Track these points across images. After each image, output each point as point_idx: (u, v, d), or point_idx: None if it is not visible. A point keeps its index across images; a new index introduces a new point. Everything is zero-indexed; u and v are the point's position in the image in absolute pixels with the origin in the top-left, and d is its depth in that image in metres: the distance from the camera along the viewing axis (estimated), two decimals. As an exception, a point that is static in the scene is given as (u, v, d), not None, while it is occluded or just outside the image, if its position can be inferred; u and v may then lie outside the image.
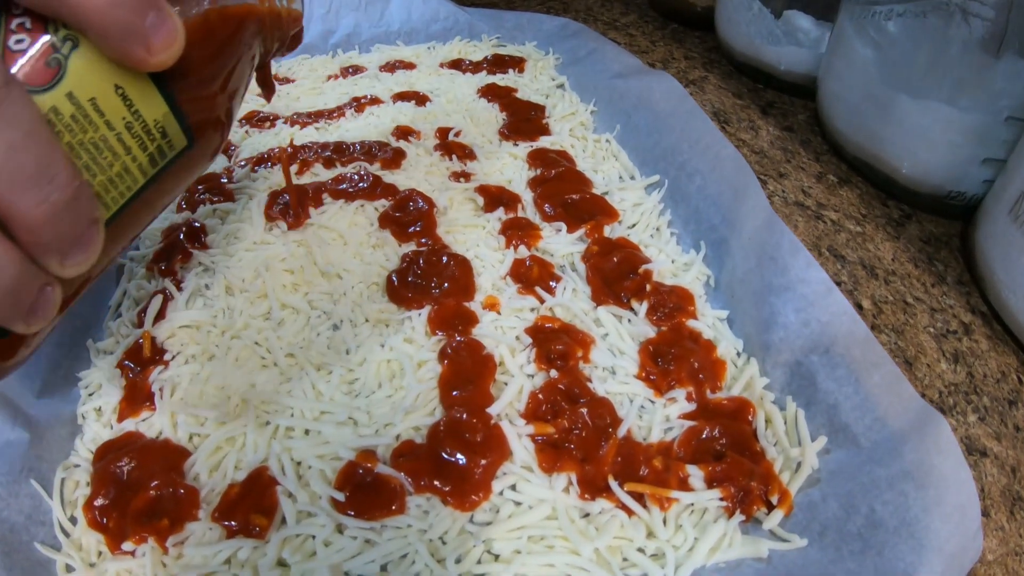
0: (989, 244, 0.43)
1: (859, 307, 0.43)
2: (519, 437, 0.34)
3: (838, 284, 0.37)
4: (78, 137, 0.20)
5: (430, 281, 0.42)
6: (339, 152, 0.54)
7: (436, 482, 0.32)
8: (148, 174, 0.23)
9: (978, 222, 0.46)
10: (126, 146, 0.21)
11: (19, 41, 0.19)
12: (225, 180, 0.52)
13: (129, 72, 0.20)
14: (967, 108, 0.44)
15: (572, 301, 0.41)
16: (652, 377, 0.37)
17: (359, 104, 0.62)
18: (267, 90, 0.35)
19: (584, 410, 0.34)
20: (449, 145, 0.55)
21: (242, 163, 0.54)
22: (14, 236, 0.19)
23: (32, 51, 0.19)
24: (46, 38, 0.19)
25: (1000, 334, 0.42)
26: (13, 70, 0.19)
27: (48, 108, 0.19)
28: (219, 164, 0.55)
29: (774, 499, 0.32)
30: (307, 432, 0.35)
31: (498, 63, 0.68)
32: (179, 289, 0.42)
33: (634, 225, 0.47)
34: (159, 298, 0.41)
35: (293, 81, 0.68)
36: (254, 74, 0.29)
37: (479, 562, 0.30)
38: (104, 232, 0.21)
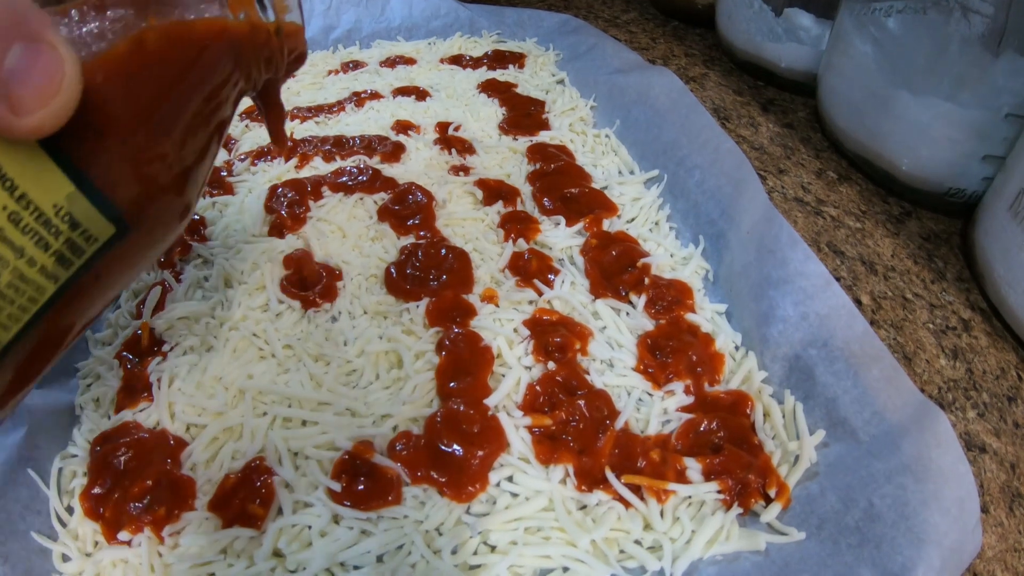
0: (989, 241, 0.43)
1: (858, 303, 0.43)
2: (516, 428, 0.34)
3: (837, 280, 0.37)
4: None
5: (428, 273, 0.42)
6: (339, 146, 0.54)
7: (433, 473, 0.32)
8: (60, 279, 0.16)
9: (978, 219, 0.46)
10: (15, 247, 0.15)
11: None
12: (225, 173, 0.52)
13: (1, 140, 0.14)
14: (967, 104, 0.44)
15: (570, 294, 0.41)
16: (650, 370, 0.37)
17: (359, 99, 0.62)
18: (275, 140, 0.26)
19: (582, 402, 0.34)
20: (449, 139, 0.55)
21: (242, 157, 0.54)
22: None
23: None
24: None
25: (999, 330, 0.42)
26: None
27: None
28: (219, 158, 0.55)
29: (772, 492, 0.32)
30: (304, 423, 0.35)
31: (498, 59, 0.68)
32: (178, 281, 0.42)
33: (633, 219, 0.47)
34: (158, 289, 0.41)
35: (293, 76, 0.68)
36: (241, 113, 0.21)
37: (475, 553, 0.30)
38: None
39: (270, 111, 0.24)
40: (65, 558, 0.31)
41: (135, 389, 0.36)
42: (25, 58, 0.12)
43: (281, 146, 0.27)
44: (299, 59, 0.23)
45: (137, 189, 0.16)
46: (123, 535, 0.31)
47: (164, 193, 0.17)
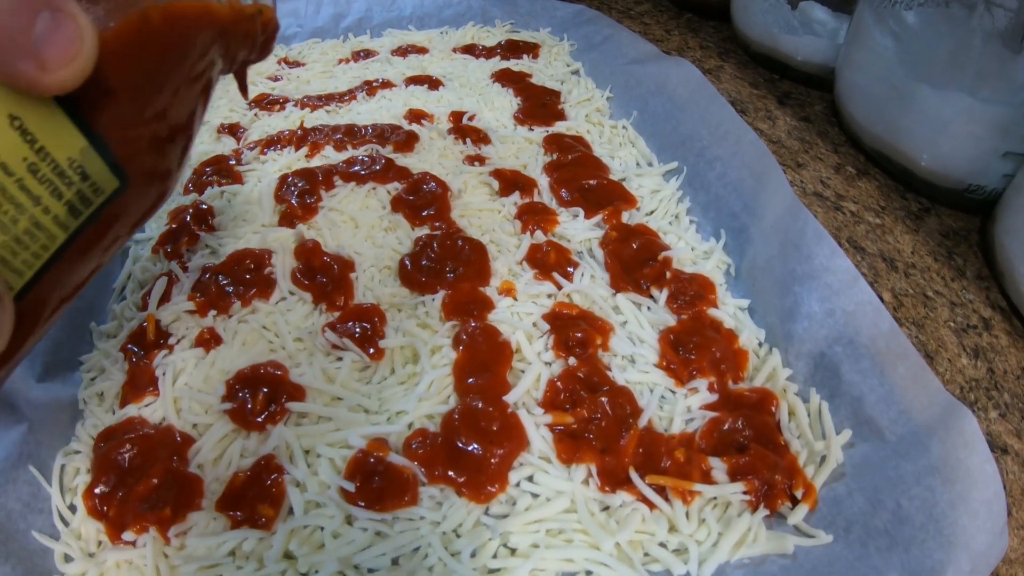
0: (1009, 239, 0.42)
1: (880, 300, 0.42)
2: (537, 427, 0.33)
3: (860, 274, 0.36)
4: None
5: (444, 265, 0.41)
6: (350, 135, 0.53)
7: (450, 472, 0.31)
8: (69, 228, 0.18)
9: (997, 216, 0.45)
10: (32, 195, 0.16)
11: None
12: (234, 162, 0.51)
13: (26, 97, 0.15)
14: (988, 100, 0.44)
15: (590, 287, 0.40)
16: (673, 366, 0.36)
17: (371, 87, 0.60)
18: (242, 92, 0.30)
19: (604, 399, 0.33)
20: (463, 129, 0.54)
21: (251, 145, 0.53)
22: None
23: None
24: None
25: (1020, 330, 0.41)
26: None
27: None
28: (228, 146, 0.54)
29: (798, 493, 0.31)
30: (317, 419, 0.34)
31: (512, 49, 0.67)
32: (185, 272, 0.41)
33: (652, 212, 0.46)
34: (164, 280, 0.40)
35: (304, 64, 0.67)
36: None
37: (495, 556, 0.29)
38: (13, 308, 0.16)
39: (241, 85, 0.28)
40: (67, 558, 0.30)
41: (140, 383, 0.35)
42: (51, 24, 0.14)
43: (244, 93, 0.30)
44: (269, 42, 0.25)
45: (138, 146, 0.19)
46: (128, 535, 0.30)
47: (159, 151, 0.20)
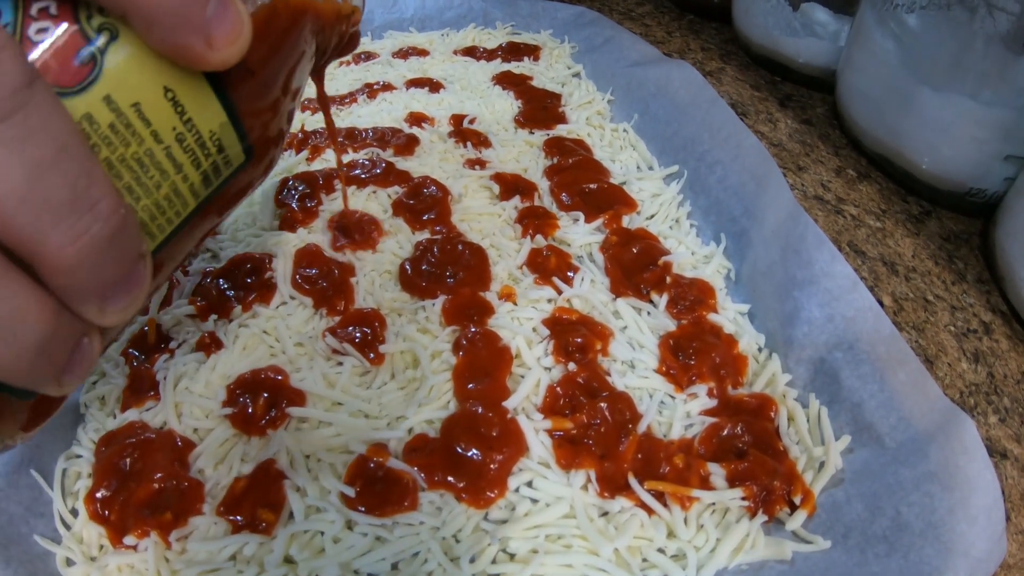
0: (1010, 242, 0.42)
1: (880, 304, 0.42)
2: (536, 432, 0.33)
3: (859, 279, 0.36)
4: (119, 152, 0.16)
5: (445, 270, 0.41)
6: (351, 138, 0.53)
7: (450, 478, 0.31)
8: (200, 197, 0.19)
9: (999, 220, 0.45)
10: (176, 163, 0.18)
11: (42, 30, 0.15)
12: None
13: (182, 71, 0.17)
14: (990, 103, 0.43)
15: (590, 292, 0.40)
16: (672, 372, 0.36)
17: (371, 90, 0.60)
18: (324, 107, 0.33)
19: (603, 405, 0.33)
20: (464, 132, 0.53)
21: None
22: (43, 280, 0.15)
23: (59, 43, 0.15)
24: (76, 27, 0.15)
25: (1020, 334, 0.41)
26: (36, 65, 0.15)
27: (81, 115, 0.15)
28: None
29: (797, 499, 0.31)
30: (317, 424, 0.34)
31: (513, 51, 0.67)
32: (186, 275, 0.41)
33: (653, 216, 0.46)
34: (164, 284, 0.40)
35: (345, 57, 0.67)
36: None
37: (494, 561, 0.29)
38: (152, 268, 0.17)
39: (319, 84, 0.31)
40: (69, 562, 0.30)
41: (141, 387, 0.35)
42: (220, 7, 0.16)
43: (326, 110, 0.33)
44: (355, 38, 0.28)
45: (264, 125, 0.20)
46: (129, 539, 0.30)
47: (276, 129, 0.21)
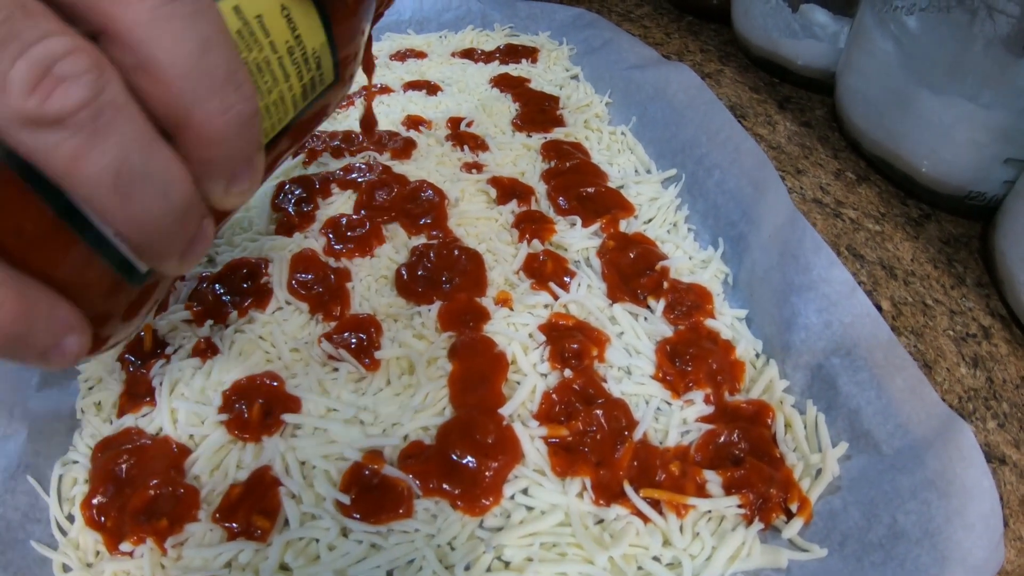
0: (1009, 246, 0.42)
1: (879, 308, 0.42)
2: (532, 439, 0.33)
3: (857, 283, 0.36)
4: (243, 55, 0.18)
5: (440, 275, 0.40)
6: (348, 141, 0.53)
7: (445, 485, 0.31)
8: (298, 107, 0.22)
9: (998, 223, 0.45)
10: (285, 72, 0.20)
11: None
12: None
13: None
14: (989, 105, 0.43)
15: (587, 298, 0.40)
16: (669, 378, 0.36)
17: (369, 93, 0.60)
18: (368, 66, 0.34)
19: (599, 412, 0.33)
20: (461, 135, 0.53)
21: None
22: (186, 150, 0.17)
23: None
24: None
25: (1020, 338, 0.41)
26: None
27: None
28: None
29: (793, 507, 0.31)
30: (312, 431, 0.34)
31: (511, 53, 0.67)
32: (182, 280, 0.41)
33: (650, 220, 0.46)
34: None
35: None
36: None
37: (489, 569, 0.29)
38: (263, 164, 0.19)
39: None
40: (66, 568, 0.30)
41: (137, 393, 0.35)
42: None
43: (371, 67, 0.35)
44: None
45: (350, 50, 0.23)
46: (125, 546, 0.30)
47: (355, 60, 0.24)
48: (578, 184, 0.47)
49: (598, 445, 0.32)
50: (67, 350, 0.17)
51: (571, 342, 0.36)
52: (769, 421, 0.34)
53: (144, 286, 0.19)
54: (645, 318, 0.39)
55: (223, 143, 0.17)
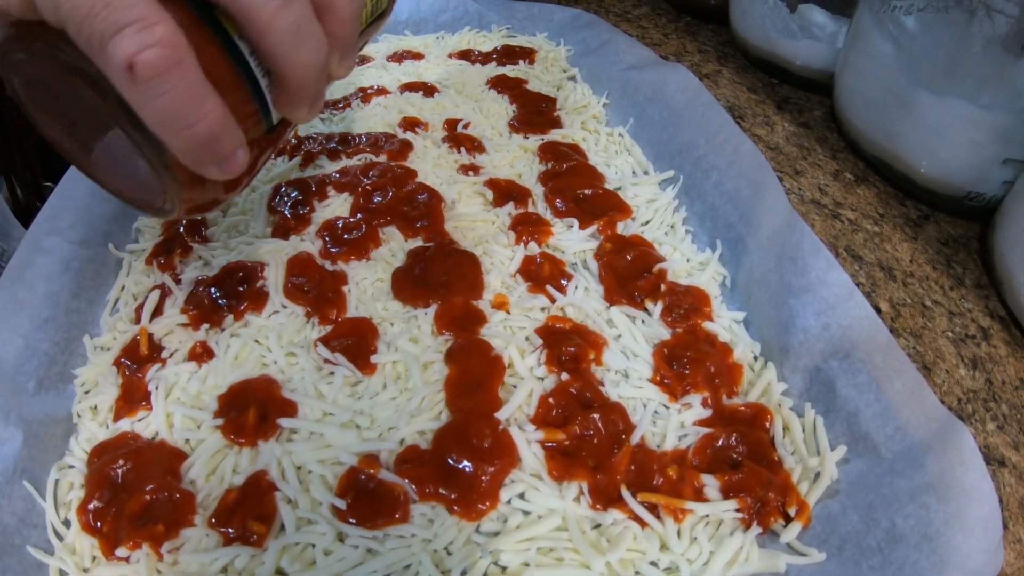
0: (1008, 247, 0.42)
1: (877, 310, 0.42)
2: (528, 443, 0.33)
3: (856, 287, 0.36)
4: None
5: (437, 278, 0.40)
6: (344, 143, 0.52)
7: (441, 490, 0.31)
8: (363, 25, 0.29)
9: (997, 224, 0.44)
10: None
11: None
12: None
13: None
14: (988, 106, 0.43)
15: (584, 300, 0.40)
16: (666, 381, 0.36)
17: (365, 94, 0.60)
18: None
19: (596, 415, 0.33)
20: (458, 137, 0.53)
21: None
22: (325, 24, 0.24)
23: None
24: None
25: (1019, 339, 0.41)
26: None
27: None
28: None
29: (792, 511, 0.31)
30: (308, 435, 0.34)
31: (508, 54, 0.66)
32: (178, 284, 0.41)
33: (648, 222, 0.46)
34: (156, 293, 0.40)
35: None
36: None
37: (486, 574, 0.29)
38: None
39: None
40: (62, 573, 0.30)
41: (133, 397, 0.35)
42: None
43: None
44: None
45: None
46: (121, 551, 0.30)
47: (392, 6, 0.33)
48: (575, 186, 0.47)
49: (595, 449, 0.32)
50: (237, 161, 0.24)
51: (568, 345, 0.36)
52: (767, 424, 0.34)
53: (268, 137, 0.27)
54: (643, 321, 0.39)
55: (351, 23, 0.25)
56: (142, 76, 0.20)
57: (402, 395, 0.35)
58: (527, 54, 0.66)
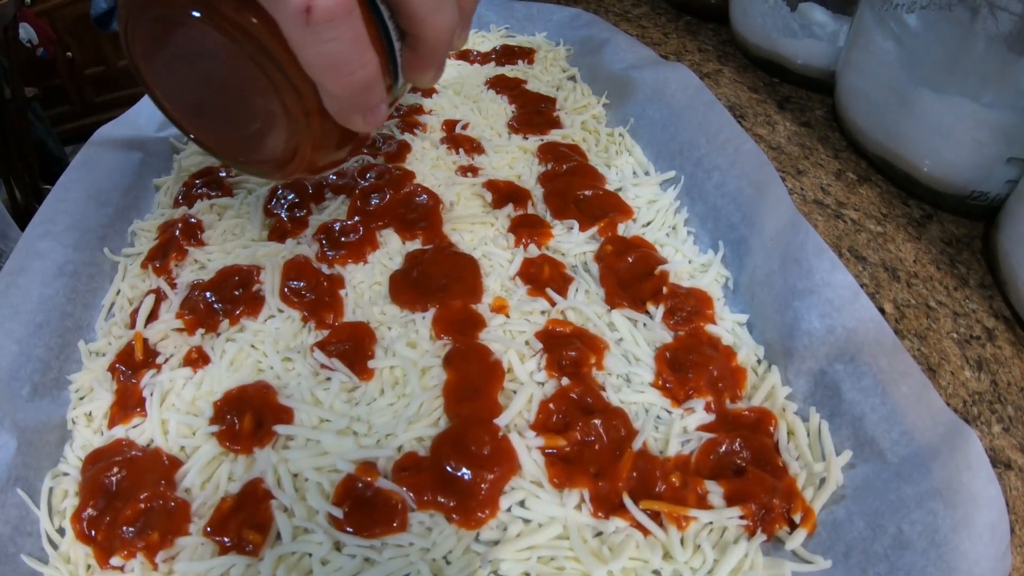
0: (1012, 246, 0.42)
1: (881, 311, 0.41)
2: (528, 450, 0.32)
3: (860, 287, 0.36)
4: None
5: (435, 281, 0.40)
6: (341, 145, 0.52)
7: (440, 498, 0.30)
8: None
9: (1001, 223, 0.44)
10: None
11: None
12: (224, 174, 0.50)
13: None
14: (991, 104, 0.43)
15: (585, 304, 0.39)
16: (669, 385, 0.35)
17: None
18: None
19: (597, 421, 0.32)
20: (456, 138, 0.53)
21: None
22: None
23: None
24: None
25: (1024, 340, 0.41)
26: None
27: None
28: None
29: (797, 517, 0.30)
30: (305, 442, 0.33)
31: (507, 54, 0.66)
32: (173, 288, 0.40)
33: (649, 223, 0.45)
34: (151, 298, 0.40)
35: None
36: None
37: (486, 584, 0.29)
38: None
39: None
40: (57, 582, 0.30)
41: (128, 404, 0.35)
42: None
43: None
44: None
45: None
46: (116, 560, 0.30)
47: None
48: (575, 187, 0.46)
49: (597, 456, 0.32)
50: (380, 113, 0.27)
51: (569, 349, 0.36)
52: (771, 429, 0.33)
53: (389, 102, 0.28)
54: (644, 324, 0.39)
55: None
56: (318, 19, 0.22)
57: (400, 401, 0.35)
58: (526, 54, 0.66)
